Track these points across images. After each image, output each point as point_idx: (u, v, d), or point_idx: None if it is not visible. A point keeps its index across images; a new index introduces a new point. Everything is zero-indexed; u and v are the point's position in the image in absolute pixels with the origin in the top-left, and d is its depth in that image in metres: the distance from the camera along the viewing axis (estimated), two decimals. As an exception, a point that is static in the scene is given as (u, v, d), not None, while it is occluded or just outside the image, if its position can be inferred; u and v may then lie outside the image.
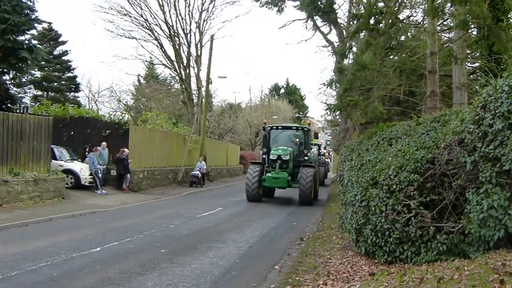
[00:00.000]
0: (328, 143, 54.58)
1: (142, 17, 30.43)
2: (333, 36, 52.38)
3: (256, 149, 43.81)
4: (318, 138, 20.83)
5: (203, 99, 28.22)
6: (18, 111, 18.06)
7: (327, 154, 44.26)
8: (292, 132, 19.45)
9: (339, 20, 25.88)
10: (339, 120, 35.66)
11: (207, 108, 28.78)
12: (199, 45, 31.83)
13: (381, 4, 16.98)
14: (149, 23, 30.70)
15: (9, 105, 18.25)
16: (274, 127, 19.75)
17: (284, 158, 17.33)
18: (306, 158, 18.59)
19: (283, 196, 20.44)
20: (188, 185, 23.60)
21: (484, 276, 4.02)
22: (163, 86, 42.78)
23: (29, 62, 17.88)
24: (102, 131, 20.03)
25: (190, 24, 31.87)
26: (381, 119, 18.36)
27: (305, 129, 19.41)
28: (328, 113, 39.16)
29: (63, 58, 38.73)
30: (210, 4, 31.58)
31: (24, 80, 30.15)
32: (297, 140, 19.22)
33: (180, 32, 31.25)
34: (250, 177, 17.09)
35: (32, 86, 36.81)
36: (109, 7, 36.27)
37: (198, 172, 24.24)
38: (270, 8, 25.23)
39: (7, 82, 18.67)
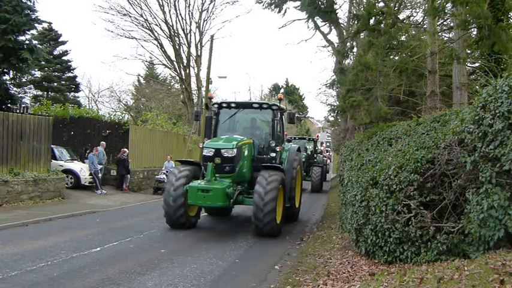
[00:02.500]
0: (328, 144, 54.43)
1: (142, 17, 30.47)
2: (333, 37, 52.43)
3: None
4: (294, 123, 12.16)
5: (203, 99, 28.20)
6: (18, 111, 18.07)
7: (327, 153, 44.07)
8: (253, 114, 12.16)
9: (339, 20, 25.89)
10: (339, 120, 35.71)
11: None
12: (199, 45, 31.86)
13: (381, 4, 16.98)
14: (149, 23, 30.72)
15: (9, 105, 18.24)
16: (225, 104, 12.01)
17: (225, 155, 10.07)
18: (273, 155, 11.28)
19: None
20: (152, 193, 19.66)
21: (484, 276, 4.02)
22: (163, 86, 42.79)
23: (29, 62, 17.88)
24: (102, 131, 20.03)
25: (190, 24, 31.91)
26: (384, 119, 18.34)
27: (274, 107, 11.31)
28: (332, 114, 39.31)
29: (63, 58, 38.72)
30: (210, 4, 31.60)
31: (24, 80, 30.11)
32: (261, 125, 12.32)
33: (180, 32, 31.28)
34: (170, 187, 10.13)
35: (32, 86, 36.78)
36: (109, 7, 36.31)
37: (165, 176, 19.19)
38: (272, 9, 25.22)
39: (7, 82, 18.66)
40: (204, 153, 10.30)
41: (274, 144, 11.18)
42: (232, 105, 11.80)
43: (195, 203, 9.84)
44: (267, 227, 9.35)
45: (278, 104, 11.38)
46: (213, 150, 10.11)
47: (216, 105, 11.88)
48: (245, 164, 10.56)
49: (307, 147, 25.75)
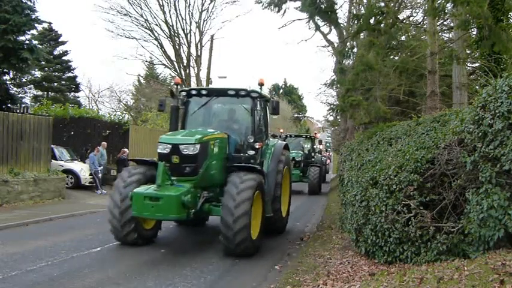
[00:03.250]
0: (328, 144, 54.30)
1: (142, 17, 30.39)
2: (333, 37, 52.41)
3: None
4: (278, 113, 9.77)
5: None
6: (18, 111, 18.06)
7: (326, 153, 43.84)
8: (231, 104, 10.10)
9: (339, 20, 25.88)
10: (339, 120, 35.70)
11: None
12: (199, 45, 31.79)
13: (381, 4, 16.97)
14: (149, 23, 30.65)
15: (9, 105, 18.23)
16: (195, 92, 9.81)
17: (185, 153, 8.05)
18: (251, 153, 9.16)
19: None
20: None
21: (484, 276, 4.02)
22: (163, 86, 42.77)
23: (29, 62, 17.87)
24: (102, 131, 20.03)
25: (190, 24, 31.82)
26: (384, 119, 18.32)
27: (253, 95, 9.28)
28: (331, 114, 39.28)
29: (63, 58, 38.73)
30: (210, 4, 31.54)
31: (24, 80, 30.11)
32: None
33: (180, 32, 31.22)
34: (116, 196, 8.18)
35: (32, 86, 36.79)
36: (109, 7, 36.14)
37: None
38: (271, 9, 25.21)
39: (7, 82, 18.65)
40: (158, 151, 8.13)
41: (252, 140, 9.04)
42: (203, 92, 9.53)
43: (141, 215, 7.68)
44: (240, 247, 7.47)
45: (259, 91, 9.25)
46: (170, 146, 7.96)
47: (183, 93, 9.57)
48: (214, 165, 8.42)
49: (304, 145, 24.35)
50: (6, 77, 18.50)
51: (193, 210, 7.81)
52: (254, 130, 9.22)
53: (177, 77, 9.95)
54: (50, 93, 37.68)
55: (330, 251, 8.19)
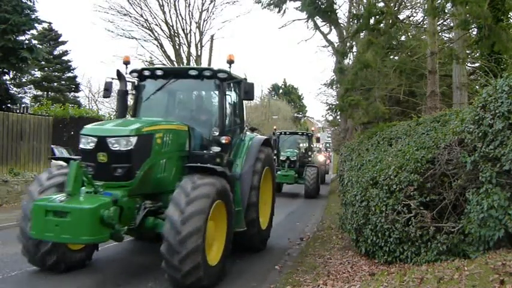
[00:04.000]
0: (328, 145, 54.19)
1: (142, 17, 30.37)
2: (333, 37, 52.42)
3: None
4: (252, 98, 7.72)
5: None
6: (18, 111, 18.06)
7: (326, 153, 43.38)
8: (196, 88, 8.41)
9: (339, 20, 25.88)
10: (339, 120, 35.69)
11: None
12: (199, 45, 31.79)
13: (381, 4, 16.98)
14: (149, 23, 30.64)
15: (9, 105, 18.23)
16: (148, 72, 7.84)
17: (115, 148, 6.04)
18: (216, 150, 7.32)
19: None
20: None
21: (484, 276, 4.02)
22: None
23: (29, 62, 17.87)
24: (102, 131, 19.98)
25: (190, 24, 31.79)
26: (383, 118, 18.32)
27: (221, 75, 7.42)
28: (330, 113, 39.25)
29: (63, 58, 38.72)
30: (210, 4, 31.54)
31: (24, 80, 30.13)
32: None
33: (180, 32, 31.22)
34: (29, 205, 5.85)
35: (32, 86, 36.79)
36: (109, 7, 36.09)
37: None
38: (271, 9, 25.22)
39: (7, 82, 18.65)
40: (80, 146, 6.08)
41: (217, 133, 7.15)
42: (159, 73, 7.52)
43: (42, 237, 5.51)
44: (189, 277, 5.50)
45: (228, 71, 7.34)
46: (95, 139, 5.89)
47: (134, 74, 7.69)
48: (163, 165, 6.51)
49: (300, 144, 22.22)
50: (6, 77, 18.50)
51: (124, 228, 5.79)
52: (222, 120, 7.32)
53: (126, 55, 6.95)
54: (49, 93, 37.67)
55: (330, 251, 8.20)
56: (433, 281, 4.30)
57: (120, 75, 7.50)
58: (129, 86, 7.74)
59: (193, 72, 7.37)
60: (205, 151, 7.19)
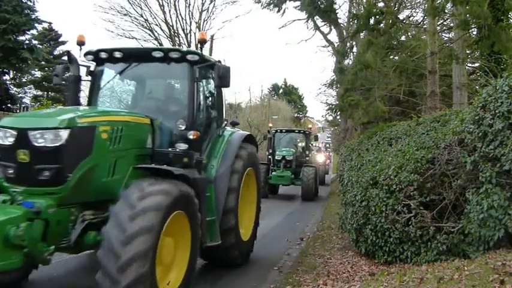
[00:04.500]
0: (328, 145, 54.07)
1: (142, 17, 30.37)
2: (333, 37, 52.44)
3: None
4: (228, 85, 6.27)
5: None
6: (18, 111, 18.08)
7: (326, 152, 43.13)
8: (164, 74, 7.05)
9: (339, 20, 25.89)
10: (339, 120, 35.68)
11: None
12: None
13: (380, 4, 17.00)
14: (149, 23, 30.64)
15: (9, 105, 18.26)
16: (105, 55, 6.35)
17: (39, 144, 4.59)
18: (182, 147, 5.93)
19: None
20: None
21: (484, 276, 4.02)
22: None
23: (29, 62, 17.93)
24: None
25: (190, 24, 31.79)
26: (383, 118, 18.32)
27: (192, 58, 6.09)
28: (330, 113, 39.23)
29: (63, 58, 38.74)
30: (210, 4, 31.55)
31: (24, 80, 30.16)
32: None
33: (180, 32, 31.22)
34: None
35: (32, 86, 36.83)
36: (109, 7, 36.14)
37: None
38: (270, 9, 25.24)
39: (7, 82, 18.67)
40: None
41: (183, 127, 5.85)
42: (118, 55, 6.13)
43: None
44: None
45: (199, 53, 6.13)
46: (14, 132, 4.60)
47: (89, 57, 6.44)
48: (110, 166, 5.10)
49: (297, 142, 20.92)
50: (6, 77, 18.54)
51: (49, 248, 4.44)
52: (191, 112, 6.01)
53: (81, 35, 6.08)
54: (50, 93, 37.68)
55: (330, 251, 8.20)
56: (433, 281, 4.30)
57: (70, 58, 6.29)
58: (85, 71, 6.41)
59: (158, 54, 6.02)
60: (171, 149, 5.85)
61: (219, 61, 6.67)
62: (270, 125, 24.23)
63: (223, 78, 6.08)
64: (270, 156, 19.47)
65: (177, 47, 5.27)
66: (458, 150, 5.77)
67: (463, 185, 5.61)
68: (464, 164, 5.46)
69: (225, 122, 7.24)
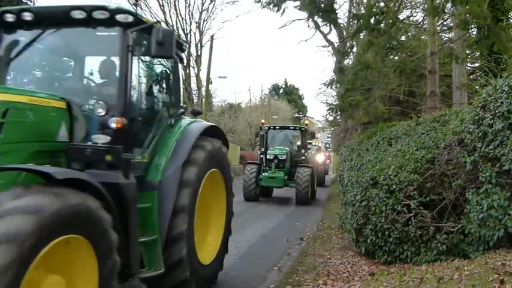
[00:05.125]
0: (328, 146, 53.98)
1: (142, 16, 30.41)
2: (333, 37, 52.50)
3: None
4: (170, 56, 4.58)
5: (203, 99, 28.25)
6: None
7: (326, 152, 42.92)
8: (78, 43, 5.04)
9: (339, 20, 25.92)
10: (339, 120, 35.67)
11: (207, 108, 28.81)
12: (199, 45, 31.83)
13: (381, 4, 17.01)
14: (149, 23, 30.67)
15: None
16: (11, 17, 4.34)
17: None
18: (98, 139, 4.27)
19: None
20: None
21: (484, 276, 4.03)
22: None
23: (29, 62, 17.87)
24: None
25: (190, 24, 31.83)
26: (382, 118, 18.31)
27: (124, 19, 4.36)
28: (330, 113, 39.24)
29: None
30: (210, 4, 31.58)
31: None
32: None
33: (180, 32, 31.27)
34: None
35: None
36: (109, 7, 36.28)
37: None
38: (270, 9, 25.26)
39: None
40: None
41: (103, 112, 4.29)
42: (28, 17, 4.56)
43: None
44: None
45: (134, 12, 4.62)
46: None
47: None
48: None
49: (292, 140, 18.95)
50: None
51: None
52: (122, 92, 4.42)
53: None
54: (49, 93, 37.66)
55: (330, 251, 8.20)
56: (433, 281, 4.31)
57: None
58: None
59: (79, 15, 4.44)
60: (90, 143, 4.32)
61: (158, 22, 5.22)
62: (263, 121, 21.69)
63: (163, 44, 4.44)
64: (262, 156, 17.83)
65: (103, 4, 3.40)
66: (458, 150, 5.77)
67: (463, 185, 5.61)
68: (464, 164, 5.46)
69: (182, 110, 5.51)
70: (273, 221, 12.64)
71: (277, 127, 19.34)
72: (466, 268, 4.45)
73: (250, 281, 6.46)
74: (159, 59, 5.23)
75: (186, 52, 4.92)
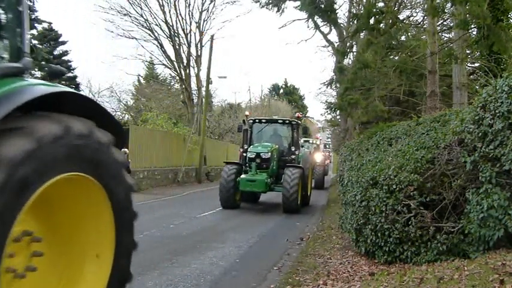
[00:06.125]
0: (328, 145, 53.89)
1: (142, 17, 30.41)
2: (333, 36, 52.44)
3: None
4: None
5: (203, 99, 28.22)
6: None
7: (326, 152, 42.71)
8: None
9: (339, 20, 25.90)
10: (339, 120, 35.66)
11: (207, 108, 28.79)
12: (199, 45, 31.84)
13: (380, 4, 17.01)
14: (149, 23, 30.68)
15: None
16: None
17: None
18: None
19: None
20: None
21: (484, 276, 4.02)
22: (163, 86, 42.77)
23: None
24: (102, 131, 19.88)
25: (190, 24, 31.82)
26: (382, 118, 18.32)
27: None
28: (329, 112, 39.18)
29: (63, 58, 38.70)
30: (210, 4, 31.57)
31: (24, 80, 30.03)
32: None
33: (180, 32, 31.28)
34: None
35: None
36: (109, 7, 36.14)
37: None
38: (270, 9, 25.26)
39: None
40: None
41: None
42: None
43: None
44: None
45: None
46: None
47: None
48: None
49: (282, 135, 15.95)
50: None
51: None
52: None
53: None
54: (49, 93, 37.61)
55: (330, 251, 8.20)
56: (433, 281, 4.31)
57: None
58: None
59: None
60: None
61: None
62: (247, 113, 18.81)
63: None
64: (245, 154, 14.72)
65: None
66: (458, 150, 5.77)
67: (463, 185, 5.61)
68: (464, 164, 5.46)
69: (17, 65, 2.88)
70: (272, 221, 12.63)
71: (263, 120, 15.99)
72: (466, 268, 4.45)
73: (250, 281, 6.46)
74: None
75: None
